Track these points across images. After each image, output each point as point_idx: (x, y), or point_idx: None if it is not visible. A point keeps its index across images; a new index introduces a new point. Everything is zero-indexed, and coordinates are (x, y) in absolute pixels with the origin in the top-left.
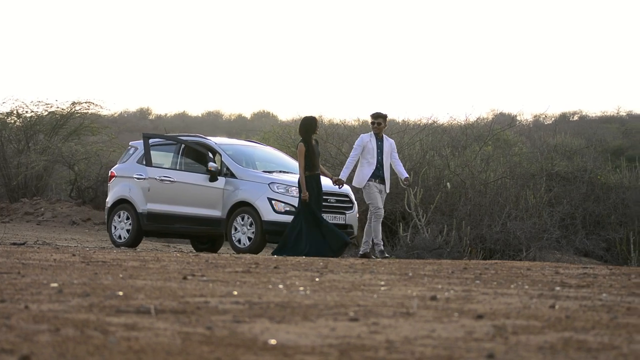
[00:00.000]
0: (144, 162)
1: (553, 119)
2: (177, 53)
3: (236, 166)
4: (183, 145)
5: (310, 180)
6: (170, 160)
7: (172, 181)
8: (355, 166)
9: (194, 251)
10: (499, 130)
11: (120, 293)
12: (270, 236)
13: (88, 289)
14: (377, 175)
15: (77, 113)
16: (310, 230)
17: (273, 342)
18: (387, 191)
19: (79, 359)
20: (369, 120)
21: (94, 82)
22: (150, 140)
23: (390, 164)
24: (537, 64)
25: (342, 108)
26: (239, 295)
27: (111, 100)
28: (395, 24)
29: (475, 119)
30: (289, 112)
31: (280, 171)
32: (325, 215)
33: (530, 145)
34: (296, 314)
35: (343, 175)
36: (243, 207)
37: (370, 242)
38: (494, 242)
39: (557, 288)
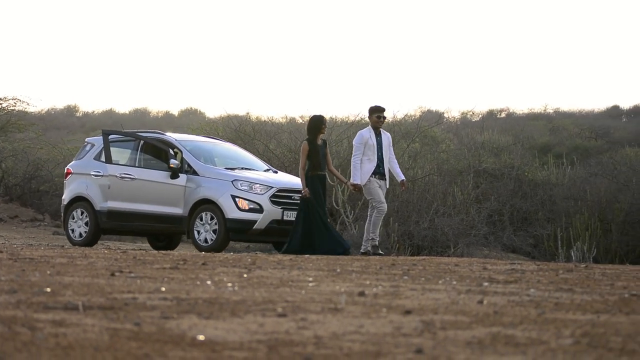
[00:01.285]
0: (103, 159)
1: (480, 116)
2: (104, 50)
3: (198, 163)
4: (142, 142)
5: (313, 180)
6: (128, 156)
7: (132, 178)
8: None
9: (121, 249)
10: (427, 128)
11: (48, 289)
12: (234, 234)
13: (15, 285)
14: (378, 172)
15: (4, 110)
16: (302, 227)
17: (201, 338)
18: (387, 187)
19: (7, 355)
20: (368, 115)
21: (20, 79)
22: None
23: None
24: (464, 61)
25: (270, 105)
26: (167, 291)
27: (38, 97)
28: (322, 22)
29: (403, 116)
30: (216, 109)
31: (242, 168)
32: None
33: (458, 142)
34: (224, 310)
35: (355, 179)
36: (205, 205)
37: (370, 240)
38: (421, 239)
39: (485, 284)
